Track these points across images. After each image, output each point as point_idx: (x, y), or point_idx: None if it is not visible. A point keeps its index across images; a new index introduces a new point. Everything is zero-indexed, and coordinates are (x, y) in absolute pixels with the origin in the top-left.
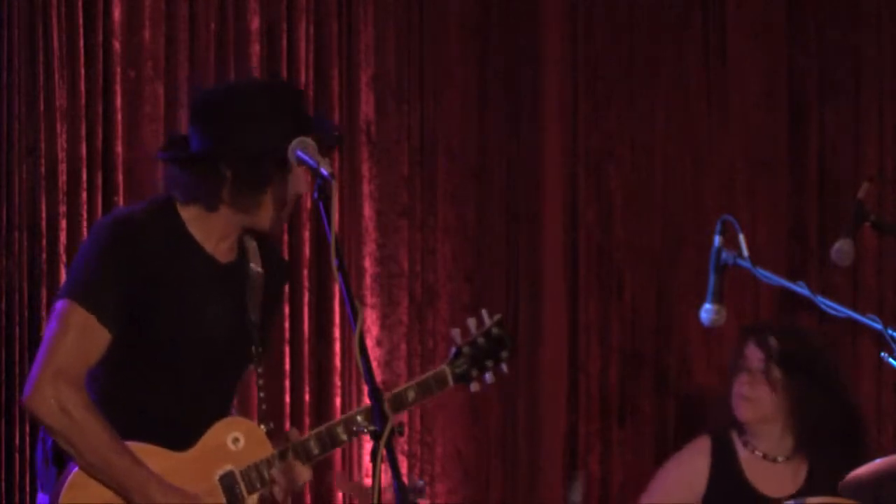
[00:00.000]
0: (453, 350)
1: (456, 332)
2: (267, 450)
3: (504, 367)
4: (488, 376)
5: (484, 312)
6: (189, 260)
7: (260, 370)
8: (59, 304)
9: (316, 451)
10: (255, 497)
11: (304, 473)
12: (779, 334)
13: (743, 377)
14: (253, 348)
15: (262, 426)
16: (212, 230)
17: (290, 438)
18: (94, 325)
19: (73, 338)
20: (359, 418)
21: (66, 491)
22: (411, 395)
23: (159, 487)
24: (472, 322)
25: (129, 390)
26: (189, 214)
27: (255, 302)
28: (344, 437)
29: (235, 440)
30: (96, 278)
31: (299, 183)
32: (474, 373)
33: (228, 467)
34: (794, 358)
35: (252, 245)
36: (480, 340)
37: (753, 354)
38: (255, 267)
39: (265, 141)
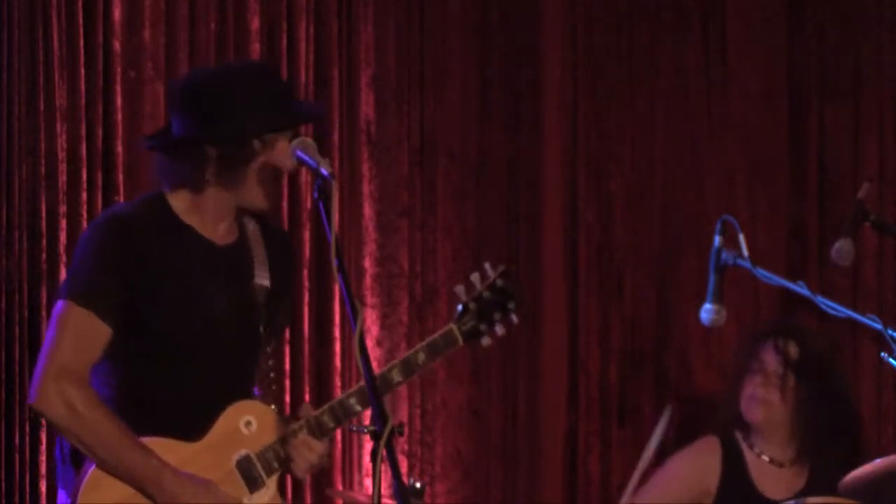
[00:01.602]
0: (459, 307)
1: (460, 289)
2: (281, 430)
3: (514, 318)
4: (498, 329)
5: (487, 265)
6: (185, 246)
7: (269, 349)
8: (57, 306)
9: (331, 425)
10: (274, 478)
11: (320, 447)
12: (798, 340)
13: (757, 379)
14: (260, 328)
15: (274, 406)
16: (205, 214)
17: (304, 414)
18: (93, 321)
19: (73, 336)
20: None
21: (84, 490)
22: (421, 357)
23: (174, 478)
24: (475, 277)
25: (141, 384)
26: (180, 202)
27: (259, 282)
28: (358, 408)
29: (248, 423)
30: (91, 276)
31: (283, 157)
32: (483, 327)
33: (244, 451)
34: (809, 366)
35: (253, 226)
36: (486, 294)
37: (771, 358)
38: (257, 246)
39: (246, 116)
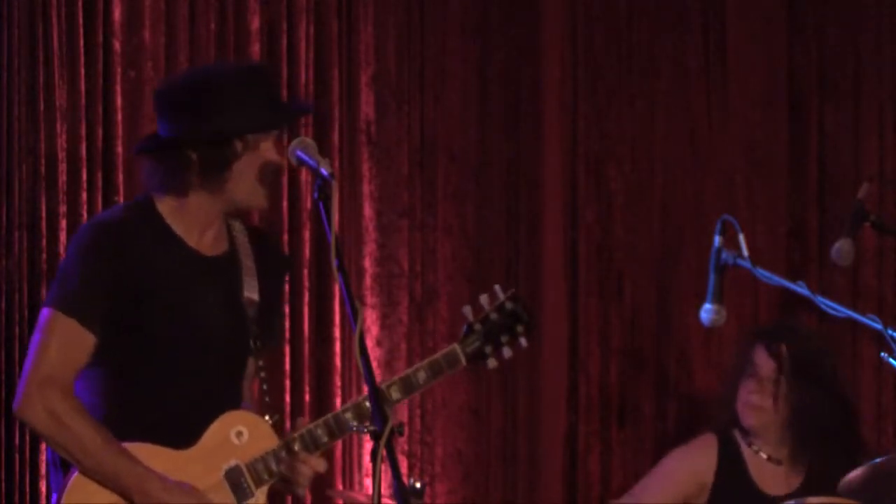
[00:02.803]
0: (464, 327)
1: (467, 309)
2: (273, 442)
3: (523, 341)
4: (505, 351)
5: (497, 288)
6: (171, 255)
7: (261, 363)
8: (43, 314)
9: (325, 439)
10: (263, 489)
11: (316, 464)
12: (789, 342)
13: (751, 384)
14: (251, 342)
15: (267, 418)
16: (192, 220)
17: (297, 427)
18: (77, 330)
19: (58, 345)
20: (367, 404)
21: (67, 492)
22: (421, 376)
23: (160, 484)
24: (484, 298)
25: (129, 391)
26: (167, 208)
27: (249, 294)
28: (354, 423)
29: (239, 434)
30: (76, 284)
31: (268, 157)
32: (488, 349)
33: (234, 462)
34: (803, 368)
35: (242, 236)
36: (493, 316)
37: (765, 363)
38: (247, 259)
39: (226, 119)
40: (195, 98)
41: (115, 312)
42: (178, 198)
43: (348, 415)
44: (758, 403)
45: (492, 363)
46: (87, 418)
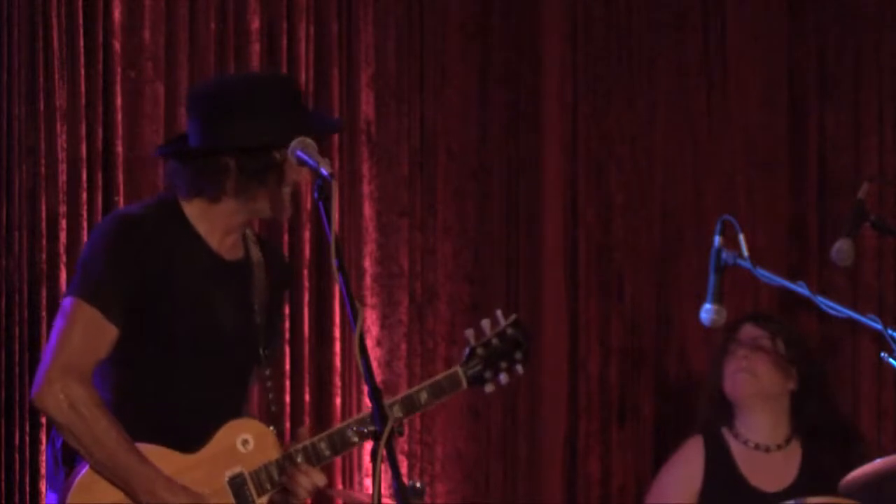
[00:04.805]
0: (466, 351)
1: (470, 333)
2: (277, 452)
3: (519, 367)
4: (503, 377)
5: (498, 313)
6: (194, 255)
7: (268, 372)
8: (66, 302)
9: (327, 453)
10: (265, 499)
11: (317, 477)
12: (775, 321)
13: (740, 352)
14: (260, 350)
15: (272, 428)
16: (215, 224)
17: (300, 439)
18: (100, 320)
19: (80, 334)
20: (369, 416)
21: (73, 491)
22: (424, 396)
23: (167, 486)
24: (486, 323)
25: (140, 391)
26: (192, 210)
27: (260, 303)
28: (356, 439)
29: (245, 442)
30: (101, 275)
31: (298, 170)
32: (488, 374)
33: (238, 469)
34: (796, 339)
35: (255, 246)
36: (494, 341)
37: (751, 331)
38: (259, 269)
39: (266, 129)
40: (233, 107)
41: (136, 306)
42: (209, 202)
43: (350, 431)
44: (748, 367)
45: (489, 388)
46: (104, 410)
